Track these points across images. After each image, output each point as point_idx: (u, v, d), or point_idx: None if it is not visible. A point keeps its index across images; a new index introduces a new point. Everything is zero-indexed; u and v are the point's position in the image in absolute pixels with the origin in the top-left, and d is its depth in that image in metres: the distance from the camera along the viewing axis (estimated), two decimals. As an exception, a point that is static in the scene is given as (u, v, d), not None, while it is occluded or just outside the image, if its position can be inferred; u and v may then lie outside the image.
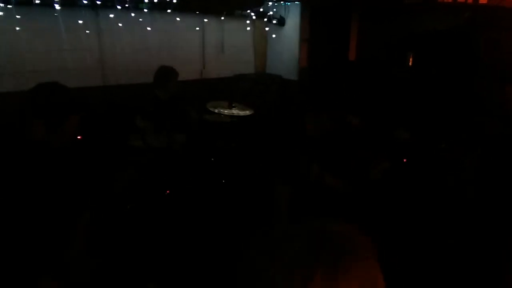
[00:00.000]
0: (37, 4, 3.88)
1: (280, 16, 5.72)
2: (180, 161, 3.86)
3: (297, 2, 5.54)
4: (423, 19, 4.81)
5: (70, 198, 1.79)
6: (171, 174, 3.67)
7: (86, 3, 4.19)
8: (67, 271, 1.66)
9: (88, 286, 1.77)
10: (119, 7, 4.35)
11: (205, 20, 5.31)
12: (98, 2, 4.25)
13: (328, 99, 3.18)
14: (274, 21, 5.67)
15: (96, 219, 2.01)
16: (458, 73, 4.40)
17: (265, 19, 5.55)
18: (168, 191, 3.48)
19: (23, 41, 4.07)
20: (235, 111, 3.98)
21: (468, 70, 4.34)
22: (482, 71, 4.25)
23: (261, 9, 5.43)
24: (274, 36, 5.90)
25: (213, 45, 5.57)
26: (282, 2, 5.59)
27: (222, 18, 5.34)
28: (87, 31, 4.42)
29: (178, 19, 5.04)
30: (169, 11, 4.73)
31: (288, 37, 5.82)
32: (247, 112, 3.96)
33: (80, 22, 4.31)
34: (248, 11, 5.32)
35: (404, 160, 3.06)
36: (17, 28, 3.96)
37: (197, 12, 5.16)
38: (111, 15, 4.48)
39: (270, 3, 5.55)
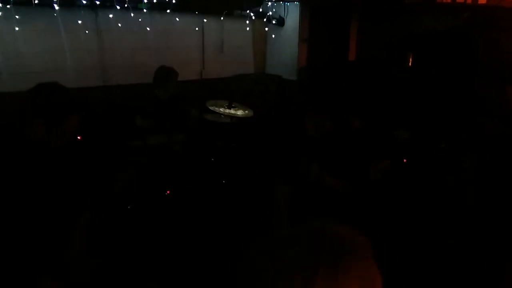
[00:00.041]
0: (36, 4, 3.88)
1: (280, 16, 5.72)
2: (180, 161, 3.86)
3: (296, 2, 5.53)
4: (423, 19, 4.82)
5: (70, 198, 1.79)
6: (171, 174, 3.67)
7: (85, 3, 4.19)
8: (67, 271, 1.66)
9: (88, 286, 1.77)
10: (118, 7, 4.35)
11: (205, 20, 5.30)
12: (97, 2, 4.24)
13: (327, 99, 3.19)
14: (274, 21, 5.67)
15: (96, 219, 2.02)
16: (458, 73, 4.40)
17: (265, 19, 5.54)
18: (168, 191, 3.48)
19: (23, 41, 4.07)
20: (233, 111, 3.97)
21: (467, 70, 4.34)
22: (481, 71, 4.25)
23: (261, 9, 5.42)
24: (273, 36, 5.89)
25: (213, 45, 5.57)
26: (281, 2, 5.59)
27: (222, 18, 5.34)
28: (86, 31, 4.42)
29: (177, 19, 5.04)
30: (168, 11, 4.73)
31: (287, 37, 5.81)
32: (247, 113, 3.96)
33: (80, 22, 4.31)
34: (248, 11, 5.32)
35: (404, 160, 3.06)
36: (17, 28, 3.96)
37: (197, 12, 5.16)
38: (111, 15, 4.47)
39: (270, 3, 5.55)
